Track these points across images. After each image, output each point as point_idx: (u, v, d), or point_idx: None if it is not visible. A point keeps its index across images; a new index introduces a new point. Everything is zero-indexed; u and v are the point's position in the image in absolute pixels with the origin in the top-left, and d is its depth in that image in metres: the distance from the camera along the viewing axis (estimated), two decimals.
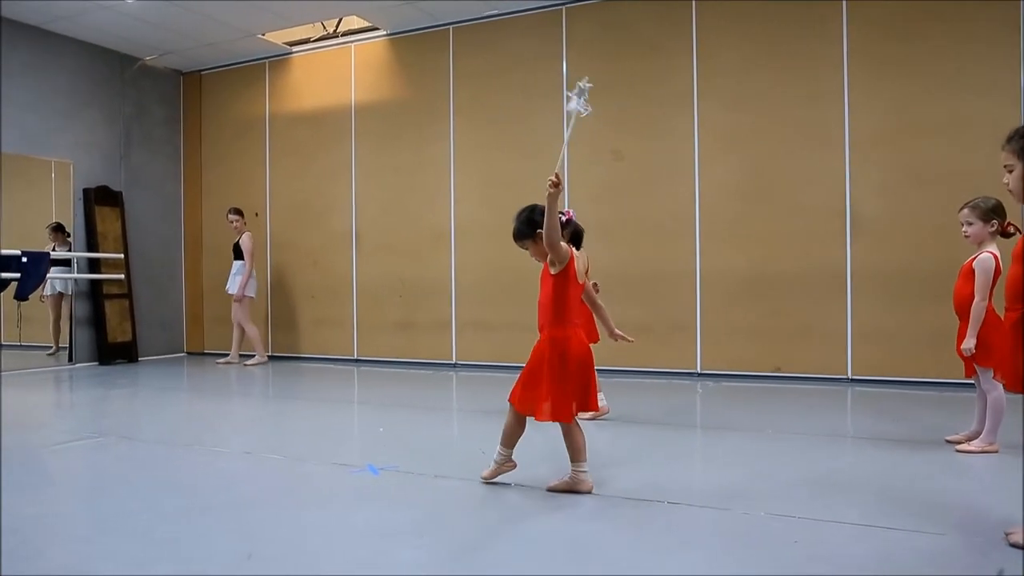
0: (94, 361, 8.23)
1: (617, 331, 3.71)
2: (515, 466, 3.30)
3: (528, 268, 7.14)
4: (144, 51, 8.59)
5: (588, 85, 3.03)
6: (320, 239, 8.41)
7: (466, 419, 5.14)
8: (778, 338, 6.37)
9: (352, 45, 8.23)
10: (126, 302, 8.51)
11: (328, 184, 8.35)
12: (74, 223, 8.14)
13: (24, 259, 7.31)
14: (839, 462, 3.81)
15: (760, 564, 2.37)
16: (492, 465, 3.28)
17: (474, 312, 7.54)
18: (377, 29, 8.01)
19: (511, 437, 3.26)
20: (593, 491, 3.13)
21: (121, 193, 8.58)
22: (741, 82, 6.50)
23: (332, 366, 7.99)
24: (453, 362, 7.62)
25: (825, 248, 6.21)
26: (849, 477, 3.49)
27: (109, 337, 8.26)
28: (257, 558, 2.44)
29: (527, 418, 3.23)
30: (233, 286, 7.99)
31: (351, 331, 8.18)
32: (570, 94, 3.07)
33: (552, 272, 3.12)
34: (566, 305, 3.13)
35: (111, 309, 8.34)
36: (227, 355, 8.29)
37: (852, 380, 6.12)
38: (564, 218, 3.19)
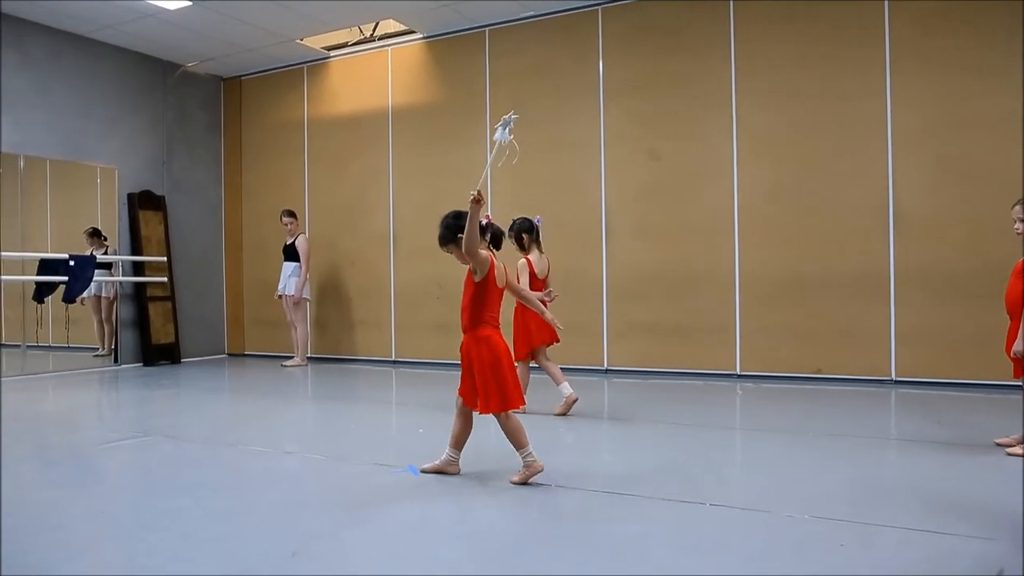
0: (139, 362, 8.39)
1: (550, 316, 3.88)
2: (543, 468, 3.35)
3: (565, 268, 7.16)
4: (186, 58, 8.74)
5: (514, 117, 3.36)
6: (358, 241, 8.48)
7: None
8: (819, 339, 6.27)
9: (389, 48, 8.29)
10: (169, 304, 8.66)
11: (366, 186, 8.42)
12: (118, 227, 8.31)
13: (72, 263, 7.48)
14: (884, 465, 3.75)
15: (805, 567, 2.34)
16: (527, 468, 3.32)
17: (510, 314, 7.53)
18: (413, 32, 8.06)
19: (523, 436, 3.38)
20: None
21: (164, 197, 8.74)
22: (780, 80, 6.43)
23: (370, 367, 8.05)
24: None
25: (867, 247, 6.11)
26: (895, 480, 3.43)
27: (153, 339, 8.41)
28: (302, 556, 2.47)
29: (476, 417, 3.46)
30: (289, 287, 8.07)
31: (389, 332, 8.24)
32: (496, 126, 3.36)
33: (475, 279, 3.33)
34: (486, 308, 3.35)
35: (155, 311, 8.50)
36: (292, 357, 8.34)
37: (896, 382, 6.01)
38: (484, 222, 3.38)
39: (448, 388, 6.42)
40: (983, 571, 2.28)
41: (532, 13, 7.38)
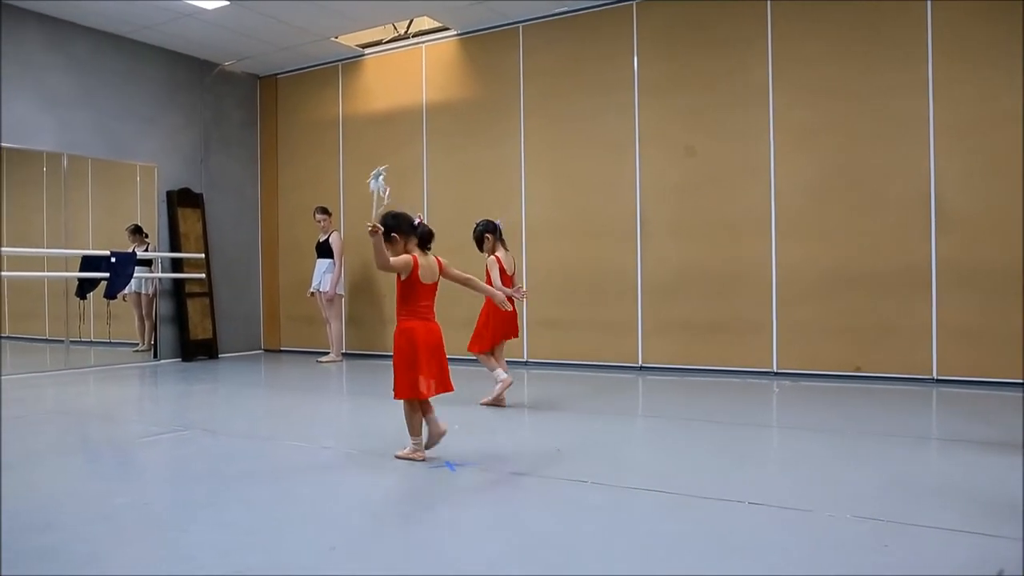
0: (177, 358, 8.52)
1: (501, 297, 4.25)
2: (424, 457, 3.67)
3: (599, 265, 7.13)
4: (223, 57, 8.85)
5: (384, 169, 3.78)
6: None
7: (538, 417, 5.15)
8: (858, 337, 6.18)
9: (423, 46, 8.32)
10: (207, 300, 8.78)
11: (400, 183, 8.42)
12: (158, 224, 8.44)
13: (113, 259, 7.62)
14: (927, 465, 3.69)
15: (851, 568, 2.30)
16: (408, 448, 3.71)
17: (546, 311, 7.54)
18: (447, 29, 8.08)
19: (415, 427, 3.72)
20: (424, 460, 3.62)
21: (202, 195, 8.86)
22: (817, 75, 6.34)
23: None
24: (525, 360, 7.64)
25: (908, 243, 6.01)
26: (938, 480, 3.36)
27: (191, 334, 8.53)
28: (340, 551, 2.49)
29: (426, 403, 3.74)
30: (325, 284, 8.15)
31: None
32: (368, 180, 3.76)
33: (402, 278, 3.67)
34: (414, 302, 3.68)
35: (193, 307, 8.62)
36: (328, 352, 8.42)
37: (937, 380, 5.91)
38: (417, 221, 3.79)
39: (482, 385, 6.44)
40: None
41: (566, 9, 7.35)
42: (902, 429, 4.37)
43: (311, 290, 8.29)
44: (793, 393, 5.79)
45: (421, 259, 3.69)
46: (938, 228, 5.91)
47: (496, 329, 5.27)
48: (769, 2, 6.50)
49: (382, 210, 3.73)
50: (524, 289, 5.25)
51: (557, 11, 7.41)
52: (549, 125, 7.55)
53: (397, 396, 3.67)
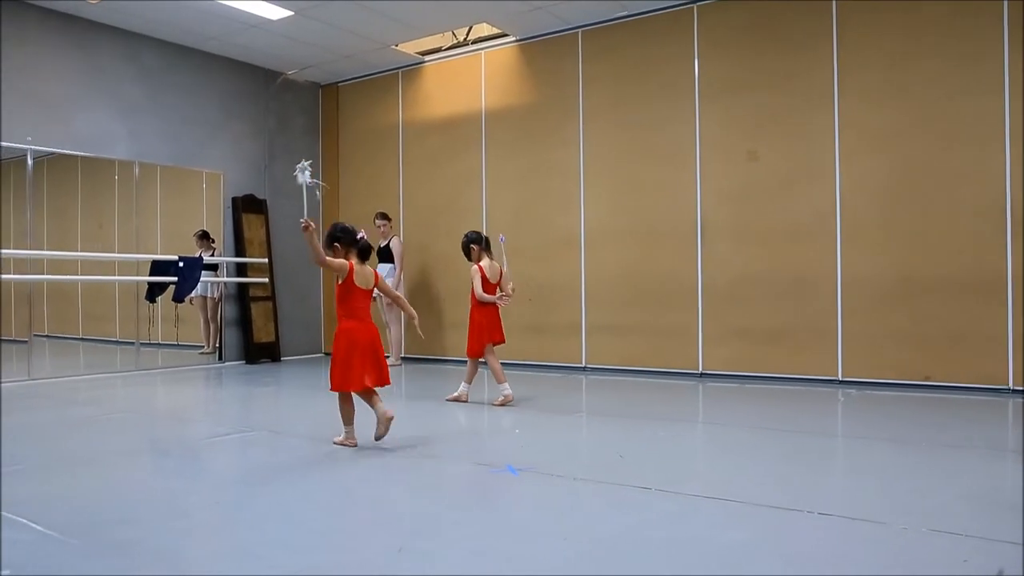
0: (241, 360, 8.72)
1: (415, 316, 4.59)
2: (356, 443, 4.12)
3: (659, 271, 7.07)
4: (286, 66, 9.04)
5: (308, 164, 4.03)
6: (452, 243, 8.56)
7: (598, 423, 5.12)
8: (928, 345, 6.00)
9: (482, 52, 8.37)
10: (270, 304, 8.96)
11: (460, 189, 8.52)
12: (223, 230, 8.66)
13: (181, 264, 7.83)
14: (1004, 478, 3.55)
15: None
16: (343, 435, 4.16)
17: (604, 316, 7.51)
18: (506, 35, 8.12)
19: (348, 416, 4.17)
20: (356, 445, 4.05)
21: (265, 201, 9.06)
22: (886, 75, 6.18)
23: (462, 368, 8.10)
24: (583, 365, 7.61)
25: (981, 249, 5.81)
26: (1015, 494, 3.24)
27: (255, 337, 8.72)
28: (408, 552, 2.51)
29: (357, 396, 4.16)
30: None
31: None
32: (295, 172, 4.02)
33: (339, 281, 4.09)
34: (350, 303, 4.10)
35: (256, 311, 8.81)
36: (387, 357, 8.48)
37: (1014, 391, 5.70)
38: (359, 236, 4.20)
39: (541, 389, 6.45)
40: None
41: (626, 13, 7.32)
42: (976, 440, 4.22)
43: (373, 295, 8.37)
44: (860, 402, 5.65)
45: (357, 267, 4.12)
46: (1013, 233, 5.71)
47: (481, 334, 5.60)
48: (835, 2, 6.38)
49: (315, 202, 4.16)
50: (509, 294, 5.67)
51: (617, 15, 7.38)
52: (608, 130, 7.52)
53: (332, 389, 4.10)
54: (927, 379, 6.00)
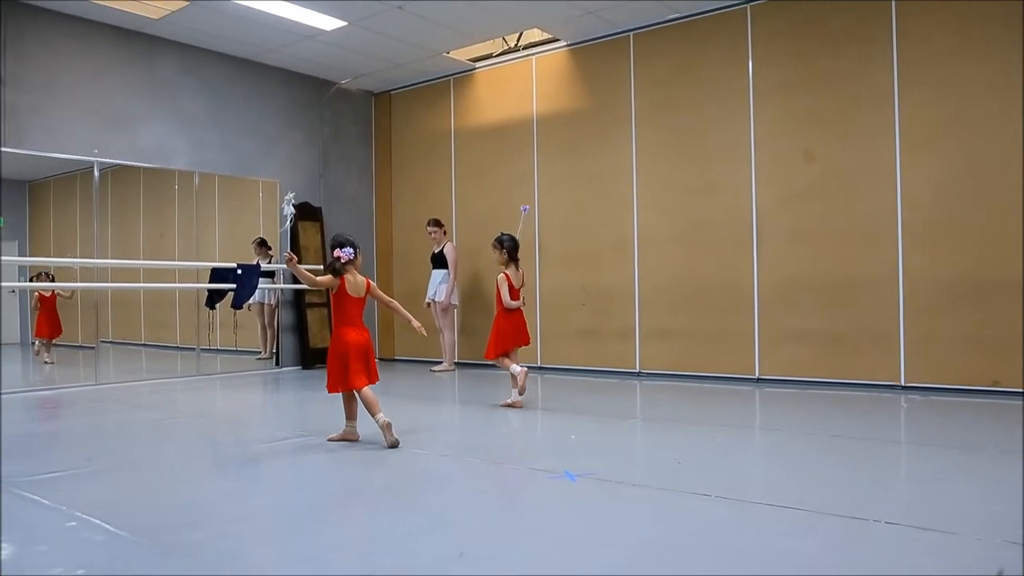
0: (297, 365, 8.86)
1: (414, 321, 4.72)
2: (358, 437, 4.46)
3: (712, 275, 6.99)
4: (340, 75, 9.19)
5: (291, 196, 4.64)
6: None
7: (654, 428, 5.08)
8: (996, 348, 5.81)
9: (533, 57, 8.39)
10: (325, 311, 9.09)
11: (511, 194, 8.54)
12: (280, 237, 8.82)
13: (239, 271, 7.99)
14: None
15: None
16: (343, 431, 4.48)
17: (658, 320, 7.44)
18: (557, 40, 8.12)
19: (350, 412, 4.50)
20: (395, 439, 4.21)
21: (320, 208, 9.21)
22: (948, 71, 6.02)
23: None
24: (637, 370, 7.56)
25: None
26: None
27: (311, 343, 8.86)
28: (468, 557, 2.52)
29: (355, 392, 4.40)
30: (440, 294, 8.31)
31: (534, 339, 8.29)
32: (283, 205, 4.60)
33: (332, 292, 4.44)
34: (343, 312, 4.43)
35: (312, 317, 8.95)
36: (441, 363, 8.59)
37: None
38: (348, 254, 4.42)
39: (595, 395, 6.42)
40: None
41: (677, 15, 7.27)
42: None
43: (427, 300, 8.45)
44: (924, 408, 5.50)
45: (350, 278, 4.41)
46: None
47: (505, 337, 5.72)
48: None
49: (284, 229, 4.90)
50: (523, 302, 5.91)
51: (668, 18, 7.33)
52: (661, 132, 7.46)
53: (329, 391, 4.44)
54: (995, 384, 5.81)
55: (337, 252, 4.41)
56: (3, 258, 7.60)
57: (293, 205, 4.60)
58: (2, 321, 8.05)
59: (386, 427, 4.22)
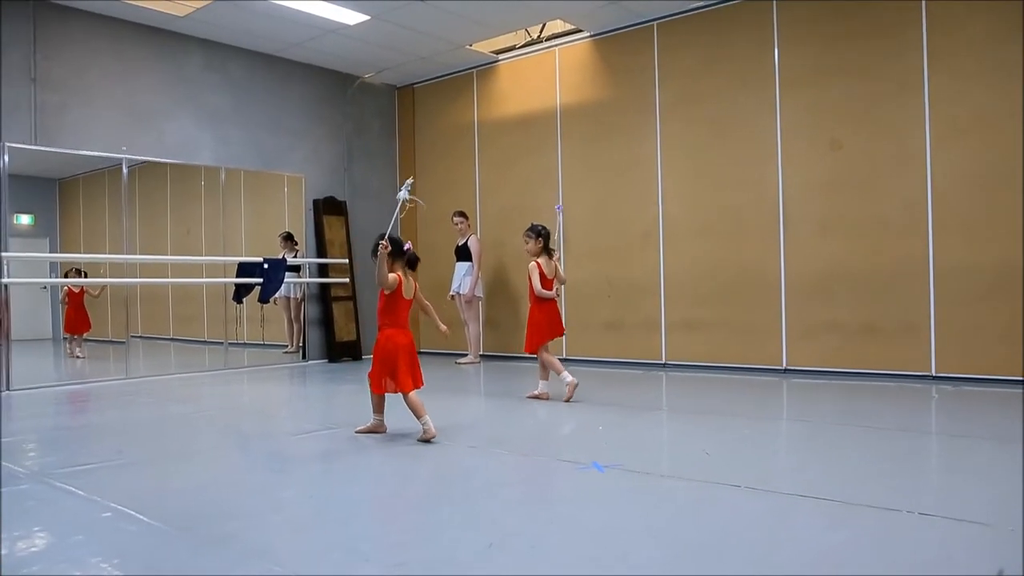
0: (323, 358, 8.92)
1: (442, 326, 4.83)
2: (386, 429, 4.46)
3: (739, 265, 6.94)
4: (363, 69, 9.21)
5: (410, 182, 4.46)
6: None
7: (681, 420, 5.06)
8: None
9: (556, 49, 8.36)
10: (351, 304, 9.14)
11: (535, 186, 8.53)
12: (305, 231, 8.88)
13: (265, 265, 8.06)
14: None
15: None
16: (371, 423, 4.46)
17: (684, 312, 7.41)
18: (581, 31, 8.08)
19: (378, 407, 4.46)
20: (435, 438, 4.17)
21: (345, 202, 9.25)
22: (980, 57, 5.91)
23: None
24: (663, 362, 7.53)
25: None
26: None
27: (337, 336, 8.91)
28: (497, 548, 2.52)
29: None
30: (464, 286, 8.33)
31: None
32: (401, 191, 4.40)
33: (385, 292, 4.35)
34: (395, 313, 4.38)
35: (338, 311, 9.00)
36: (466, 355, 8.62)
37: None
38: (405, 247, 4.43)
39: (621, 387, 6.40)
40: None
41: (701, 4, 7.20)
42: None
43: (451, 292, 8.47)
44: (956, 398, 5.43)
45: (404, 279, 4.39)
46: None
47: (541, 329, 5.65)
48: None
49: (396, 219, 4.59)
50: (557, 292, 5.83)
51: (692, 7, 7.27)
52: (687, 122, 7.41)
53: (374, 391, 4.37)
54: None
55: (408, 245, 4.42)
56: (34, 255, 7.72)
57: (408, 191, 4.40)
58: (26, 316, 8.17)
59: (427, 431, 4.20)
